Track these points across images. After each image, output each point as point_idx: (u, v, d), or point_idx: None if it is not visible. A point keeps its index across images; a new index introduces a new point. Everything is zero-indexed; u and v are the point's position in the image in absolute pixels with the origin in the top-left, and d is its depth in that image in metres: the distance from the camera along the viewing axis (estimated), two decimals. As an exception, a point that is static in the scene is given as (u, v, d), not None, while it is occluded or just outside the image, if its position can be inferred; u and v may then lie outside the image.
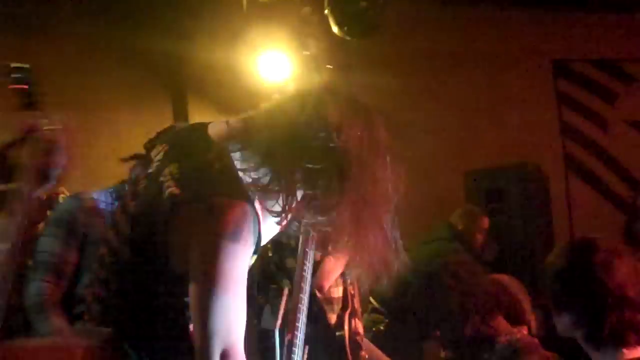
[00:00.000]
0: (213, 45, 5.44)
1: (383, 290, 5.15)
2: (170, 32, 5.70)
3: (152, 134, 3.59)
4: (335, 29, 5.35)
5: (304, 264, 2.50)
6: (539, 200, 6.76)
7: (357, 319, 4.21)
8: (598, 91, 7.50)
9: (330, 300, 4.14)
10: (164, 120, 6.46)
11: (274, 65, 5.87)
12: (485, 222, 5.72)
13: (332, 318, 4.14)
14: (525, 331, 3.02)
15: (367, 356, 4.27)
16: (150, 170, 2.06)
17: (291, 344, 2.31)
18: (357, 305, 4.25)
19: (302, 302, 2.41)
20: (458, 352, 3.14)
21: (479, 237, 5.55)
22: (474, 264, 3.14)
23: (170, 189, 1.93)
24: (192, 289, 1.85)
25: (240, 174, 1.95)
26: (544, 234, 6.70)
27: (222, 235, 1.83)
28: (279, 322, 2.31)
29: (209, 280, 1.82)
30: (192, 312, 1.86)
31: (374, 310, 4.92)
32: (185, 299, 1.88)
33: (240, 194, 1.90)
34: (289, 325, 2.35)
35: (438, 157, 7.03)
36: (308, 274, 2.46)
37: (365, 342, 4.35)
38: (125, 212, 2.06)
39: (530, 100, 7.40)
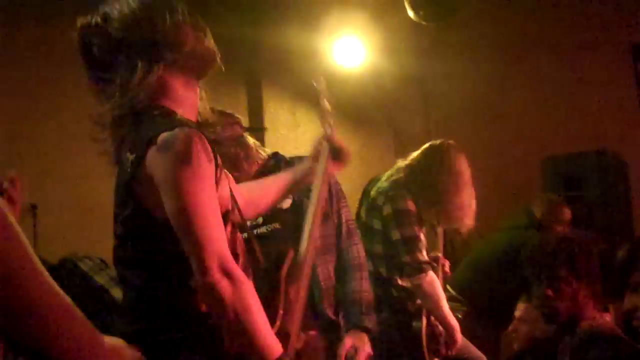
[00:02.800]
0: (289, 30, 5.45)
1: (461, 278, 5.14)
2: (246, 18, 5.73)
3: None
4: (410, 13, 5.32)
5: (314, 220, 2.60)
6: (618, 187, 6.61)
7: None
8: (680, 76, 7.30)
9: (410, 290, 4.12)
10: (239, 105, 6.51)
11: (349, 51, 5.88)
12: (567, 213, 5.55)
13: (411, 307, 4.12)
14: (608, 318, 2.97)
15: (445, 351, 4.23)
16: None
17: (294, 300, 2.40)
18: None
19: (309, 258, 2.53)
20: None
21: (559, 229, 5.38)
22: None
23: (128, 154, 2.08)
24: (172, 221, 1.99)
25: None
26: (623, 223, 6.56)
27: (175, 163, 1.97)
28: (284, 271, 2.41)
29: (182, 207, 1.96)
30: (182, 241, 1.98)
31: (452, 298, 4.88)
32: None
33: (179, 124, 2.05)
34: (292, 279, 2.44)
35: (516, 143, 6.95)
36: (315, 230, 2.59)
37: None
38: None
39: (609, 85, 7.24)
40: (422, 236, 4.19)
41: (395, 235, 4.05)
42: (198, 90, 2.28)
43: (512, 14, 7.11)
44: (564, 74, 7.21)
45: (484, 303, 5.07)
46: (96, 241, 4.87)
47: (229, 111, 3.39)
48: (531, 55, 7.11)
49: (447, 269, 4.43)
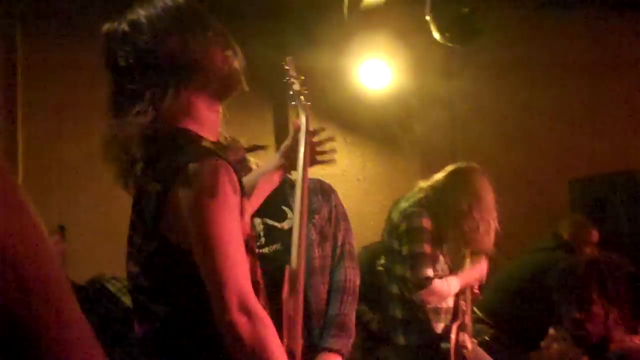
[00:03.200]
0: (315, 54, 5.47)
1: (489, 300, 5.13)
2: (272, 42, 5.77)
3: (255, 140, 3.68)
4: (436, 35, 5.33)
5: (301, 218, 2.65)
6: (646, 210, 6.56)
7: (465, 334, 4.17)
8: None
9: (437, 311, 4.11)
10: (265, 125, 6.54)
11: (375, 73, 5.89)
12: (595, 235, 5.53)
13: (438, 328, 4.11)
14: (638, 340, 2.95)
15: None
16: None
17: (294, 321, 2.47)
18: (467, 321, 4.22)
19: (302, 260, 2.61)
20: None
21: (586, 250, 5.35)
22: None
23: (153, 184, 2.05)
24: (195, 255, 1.98)
25: None
26: (651, 245, 6.50)
27: (202, 197, 1.95)
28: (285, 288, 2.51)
29: (206, 242, 1.95)
30: (203, 274, 1.96)
31: (479, 320, 4.86)
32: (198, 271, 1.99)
33: (206, 154, 2.04)
34: (291, 293, 2.49)
35: (543, 165, 6.91)
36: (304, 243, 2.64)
37: (478, 351, 4.31)
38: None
39: (636, 106, 7.21)
40: (439, 255, 4.19)
41: (405, 251, 4.07)
42: (220, 110, 2.24)
43: (538, 36, 7.09)
44: (591, 95, 7.18)
45: (511, 325, 5.04)
46: (124, 262, 4.89)
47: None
48: (558, 77, 7.09)
49: (476, 290, 4.42)
